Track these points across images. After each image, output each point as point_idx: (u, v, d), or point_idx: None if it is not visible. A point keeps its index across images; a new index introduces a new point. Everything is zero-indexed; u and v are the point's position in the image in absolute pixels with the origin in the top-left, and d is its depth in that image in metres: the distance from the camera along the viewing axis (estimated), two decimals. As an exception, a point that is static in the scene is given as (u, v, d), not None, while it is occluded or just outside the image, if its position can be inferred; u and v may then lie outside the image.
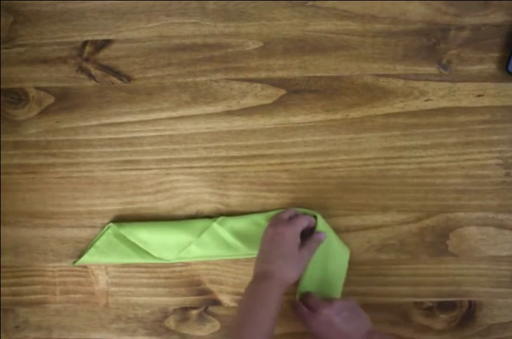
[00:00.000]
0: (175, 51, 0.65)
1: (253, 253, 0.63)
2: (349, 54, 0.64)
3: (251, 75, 0.64)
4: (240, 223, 0.63)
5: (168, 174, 0.65)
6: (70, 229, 0.66)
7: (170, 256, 0.64)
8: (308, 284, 0.61)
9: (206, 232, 0.63)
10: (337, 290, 0.62)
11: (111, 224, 0.64)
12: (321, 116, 0.64)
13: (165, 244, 0.64)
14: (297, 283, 0.60)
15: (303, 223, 0.59)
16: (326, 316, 0.55)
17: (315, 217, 0.62)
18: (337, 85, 0.64)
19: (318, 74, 0.64)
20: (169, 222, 0.64)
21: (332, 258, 0.62)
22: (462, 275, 0.64)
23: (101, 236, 0.64)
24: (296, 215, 0.61)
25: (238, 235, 0.63)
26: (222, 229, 0.63)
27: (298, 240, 0.58)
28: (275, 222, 0.60)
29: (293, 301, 0.61)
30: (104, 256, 0.64)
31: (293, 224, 0.58)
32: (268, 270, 0.56)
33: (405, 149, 0.64)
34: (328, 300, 0.58)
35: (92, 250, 0.64)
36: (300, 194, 0.65)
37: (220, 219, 0.63)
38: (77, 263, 0.65)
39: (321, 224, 0.62)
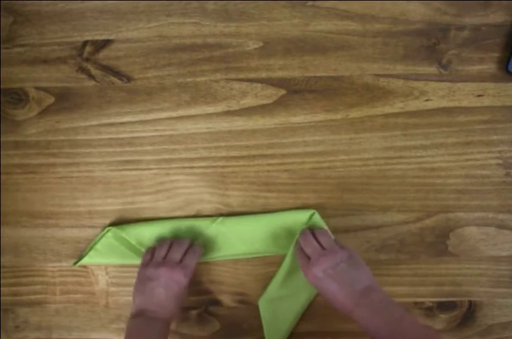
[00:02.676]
0: (175, 51, 0.65)
1: (253, 253, 0.63)
2: (349, 54, 0.64)
3: (251, 75, 0.64)
4: (240, 223, 0.63)
5: (168, 174, 0.65)
6: (70, 229, 0.66)
7: None
8: (287, 280, 0.61)
9: (206, 233, 0.63)
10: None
11: (110, 227, 0.64)
12: (321, 116, 0.64)
13: None
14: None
15: (194, 262, 0.59)
16: (321, 267, 0.54)
17: (313, 214, 0.62)
18: (337, 85, 0.64)
19: (318, 74, 0.64)
20: (169, 223, 0.64)
21: None
22: (462, 275, 0.64)
23: (100, 238, 0.64)
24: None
25: (238, 235, 0.63)
26: (222, 229, 0.63)
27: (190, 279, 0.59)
28: (170, 265, 0.57)
29: (298, 245, 0.59)
30: (104, 258, 0.64)
31: (187, 269, 0.58)
32: (157, 311, 0.56)
33: (405, 149, 0.64)
34: (328, 249, 0.56)
35: (91, 252, 0.64)
36: (300, 194, 0.65)
37: (220, 219, 0.63)
38: (77, 265, 0.65)
39: (318, 222, 0.62)
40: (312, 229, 0.59)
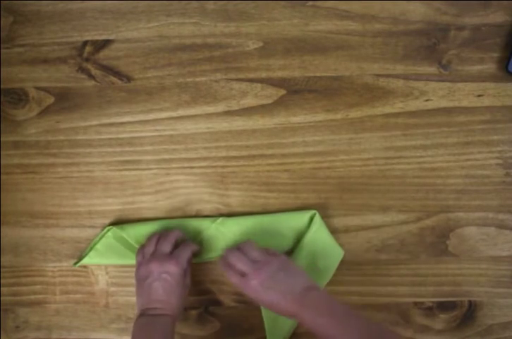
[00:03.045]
0: (175, 51, 0.65)
1: None
2: (349, 54, 0.64)
3: (251, 75, 0.64)
4: (240, 224, 0.63)
5: (168, 174, 0.65)
6: (70, 229, 0.66)
7: None
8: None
9: (206, 233, 0.63)
10: None
11: (111, 227, 0.64)
12: (321, 116, 0.64)
13: None
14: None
15: (187, 254, 0.59)
16: (259, 280, 0.53)
17: (314, 214, 0.62)
18: (337, 85, 0.64)
19: (318, 74, 0.64)
20: (168, 223, 0.64)
21: (321, 258, 0.62)
22: (462, 275, 0.64)
23: (100, 239, 0.64)
24: (177, 244, 0.60)
25: (238, 236, 0.63)
26: (222, 230, 0.63)
27: (185, 270, 0.58)
28: (160, 258, 0.57)
29: (222, 264, 0.58)
30: (104, 258, 0.64)
31: (179, 259, 0.58)
32: (160, 308, 0.55)
33: (405, 149, 0.64)
34: (260, 260, 0.55)
35: (92, 253, 0.64)
36: (300, 194, 0.65)
37: (220, 220, 0.63)
38: (77, 265, 0.65)
39: (318, 223, 0.62)
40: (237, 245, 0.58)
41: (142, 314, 0.56)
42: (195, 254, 0.62)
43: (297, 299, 0.52)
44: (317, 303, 0.52)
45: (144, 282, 0.57)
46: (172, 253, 0.58)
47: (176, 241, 0.60)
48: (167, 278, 0.56)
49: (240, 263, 0.55)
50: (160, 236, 0.61)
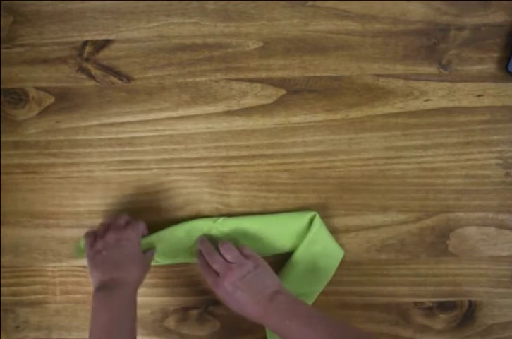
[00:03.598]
0: (175, 51, 0.65)
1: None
2: (349, 54, 0.64)
3: (251, 75, 0.64)
4: (240, 224, 0.63)
5: (168, 174, 0.65)
6: (70, 229, 0.66)
7: (170, 260, 0.64)
8: (288, 280, 0.61)
9: (207, 233, 0.63)
10: (318, 289, 0.63)
11: None
12: (321, 116, 0.64)
13: (168, 249, 0.63)
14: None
15: (142, 224, 0.60)
16: (230, 281, 0.54)
17: (314, 216, 0.62)
18: (337, 85, 0.64)
19: (318, 74, 0.64)
20: (172, 227, 0.64)
21: (322, 258, 0.62)
22: (462, 275, 0.64)
23: None
24: (130, 220, 0.61)
25: (239, 236, 0.63)
26: (222, 230, 0.63)
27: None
28: (116, 228, 0.58)
29: (199, 264, 0.59)
30: None
31: (136, 227, 0.59)
32: (120, 277, 0.55)
33: (405, 149, 0.64)
34: (235, 262, 0.56)
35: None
36: (300, 194, 0.65)
37: (220, 220, 0.63)
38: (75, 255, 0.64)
39: (318, 224, 0.62)
40: (218, 243, 0.59)
41: (99, 288, 0.54)
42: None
43: (264, 302, 0.53)
44: (282, 306, 0.53)
45: (99, 255, 0.56)
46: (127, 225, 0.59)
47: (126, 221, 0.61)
48: (126, 246, 0.56)
49: (215, 264, 0.57)
50: (111, 221, 0.61)
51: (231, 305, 0.55)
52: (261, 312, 0.53)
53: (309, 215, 0.62)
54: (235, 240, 0.63)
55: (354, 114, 0.64)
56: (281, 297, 0.53)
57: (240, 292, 0.54)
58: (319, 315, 0.51)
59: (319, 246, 0.62)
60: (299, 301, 0.54)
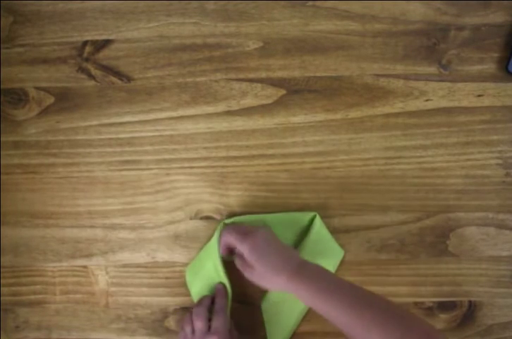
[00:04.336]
0: (175, 51, 0.65)
1: None
2: (349, 54, 0.64)
3: (251, 75, 0.64)
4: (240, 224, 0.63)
5: (168, 174, 0.65)
6: (70, 229, 0.66)
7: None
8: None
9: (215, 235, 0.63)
10: None
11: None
12: (321, 116, 0.64)
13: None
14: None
15: (223, 321, 0.58)
16: (252, 241, 0.54)
17: (314, 216, 0.62)
18: (337, 85, 0.64)
19: (318, 74, 0.64)
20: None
21: (322, 258, 0.62)
22: (462, 275, 0.64)
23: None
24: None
25: None
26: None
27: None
28: (200, 337, 0.57)
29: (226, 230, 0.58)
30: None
31: (218, 330, 0.57)
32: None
33: (405, 149, 0.64)
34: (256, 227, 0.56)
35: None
36: (300, 194, 0.65)
37: (221, 225, 0.62)
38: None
39: (319, 225, 0.62)
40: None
41: None
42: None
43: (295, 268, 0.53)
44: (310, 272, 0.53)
45: None
46: (210, 327, 0.57)
47: (209, 308, 0.59)
48: None
49: (237, 228, 0.57)
50: (192, 312, 0.60)
51: (259, 265, 0.54)
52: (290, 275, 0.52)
53: (309, 215, 0.62)
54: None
55: (354, 114, 0.64)
56: (311, 267, 0.54)
57: (265, 255, 0.54)
58: (347, 281, 0.52)
59: (320, 246, 0.62)
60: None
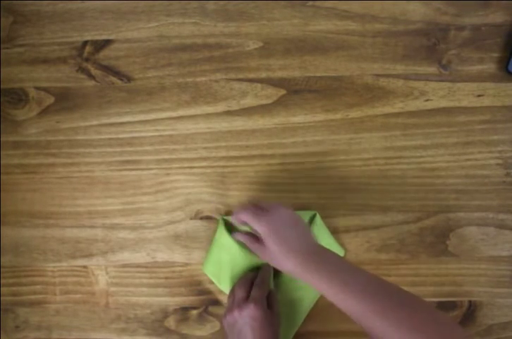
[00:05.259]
0: (175, 51, 0.65)
1: (254, 254, 0.62)
2: (349, 54, 0.64)
3: (251, 75, 0.64)
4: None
5: (168, 174, 0.65)
6: (70, 229, 0.66)
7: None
8: (288, 280, 0.61)
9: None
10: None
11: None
12: (321, 116, 0.64)
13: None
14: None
15: (262, 293, 0.58)
16: (271, 218, 0.53)
17: (314, 215, 0.62)
18: (337, 85, 0.64)
19: (318, 74, 0.64)
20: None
21: None
22: (462, 275, 0.64)
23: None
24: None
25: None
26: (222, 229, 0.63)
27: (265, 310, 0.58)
28: (239, 304, 0.57)
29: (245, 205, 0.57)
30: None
31: (256, 300, 0.57)
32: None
33: (405, 149, 0.64)
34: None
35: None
36: (300, 194, 0.65)
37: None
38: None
39: (319, 224, 0.62)
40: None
41: None
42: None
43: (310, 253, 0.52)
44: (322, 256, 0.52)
45: (233, 328, 0.57)
46: (249, 297, 0.58)
47: (251, 281, 0.60)
48: (253, 324, 0.56)
49: (255, 205, 0.56)
50: (236, 284, 0.61)
51: (272, 240, 0.53)
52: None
53: (309, 214, 0.62)
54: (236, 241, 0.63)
55: (354, 114, 0.64)
56: (329, 253, 0.53)
57: (282, 228, 0.52)
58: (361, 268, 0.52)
59: None
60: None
